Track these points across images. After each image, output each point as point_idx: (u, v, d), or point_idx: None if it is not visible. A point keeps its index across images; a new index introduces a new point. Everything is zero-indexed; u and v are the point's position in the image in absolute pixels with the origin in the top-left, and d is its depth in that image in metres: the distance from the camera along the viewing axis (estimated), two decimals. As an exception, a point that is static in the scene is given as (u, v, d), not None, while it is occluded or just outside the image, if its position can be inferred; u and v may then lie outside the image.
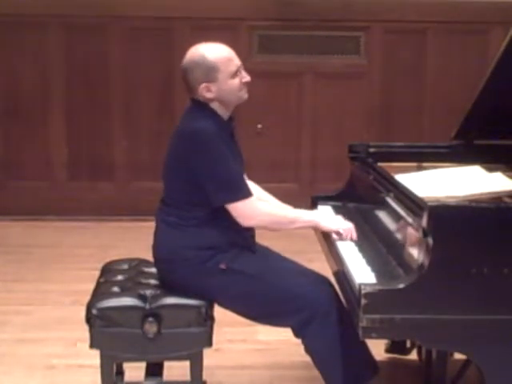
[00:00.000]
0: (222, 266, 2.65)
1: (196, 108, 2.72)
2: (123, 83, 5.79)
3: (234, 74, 2.68)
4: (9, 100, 5.78)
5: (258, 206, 2.66)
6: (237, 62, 2.70)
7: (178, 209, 2.70)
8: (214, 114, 2.69)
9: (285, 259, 2.84)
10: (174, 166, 2.71)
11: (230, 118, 2.76)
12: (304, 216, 2.77)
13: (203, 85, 2.65)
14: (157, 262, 2.79)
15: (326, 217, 2.88)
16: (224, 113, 2.72)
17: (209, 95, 2.67)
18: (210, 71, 2.65)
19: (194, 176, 2.62)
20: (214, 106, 2.70)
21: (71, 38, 5.71)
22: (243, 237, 2.72)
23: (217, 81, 2.65)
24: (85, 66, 5.76)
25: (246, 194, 2.63)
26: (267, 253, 2.84)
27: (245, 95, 2.74)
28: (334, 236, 2.77)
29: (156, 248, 2.78)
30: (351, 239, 2.75)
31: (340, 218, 2.88)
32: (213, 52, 2.68)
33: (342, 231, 2.76)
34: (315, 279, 2.72)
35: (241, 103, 2.75)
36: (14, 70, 5.74)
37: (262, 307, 2.68)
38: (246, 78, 2.73)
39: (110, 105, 5.83)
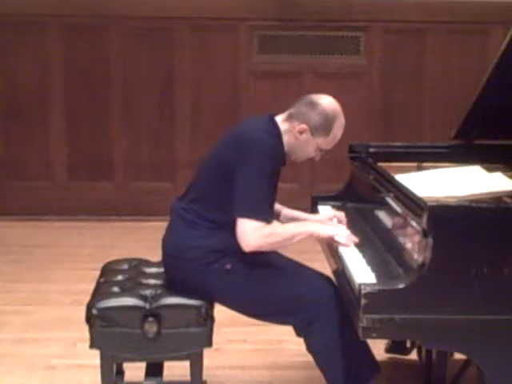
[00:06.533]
0: (228, 267, 2.66)
1: (272, 125, 2.73)
2: (123, 83, 5.79)
3: (320, 149, 2.76)
4: (9, 100, 5.79)
5: (263, 234, 2.59)
6: (330, 147, 2.78)
7: (200, 207, 2.69)
8: (281, 141, 2.72)
9: (287, 259, 2.84)
10: (219, 164, 2.69)
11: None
12: (300, 229, 2.70)
13: (305, 126, 2.69)
14: (165, 256, 2.79)
15: (322, 225, 2.81)
16: (285, 149, 2.75)
17: (296, 135, 2.71)
18: (322, 129, 2.71)
19: (232, 180, 2.60)
20: (285, 139, 2.72)
21: (71, 38, 5.71)
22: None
23: (313, 136, 2.71)
24: (85, 65, 5.76)
25: (264, 218, 2.60)
26: (271, 254, 2.84)
27: (300, 160, 2.83)
28: (337, 239, 2.69)
29: (167, 242, 2.78)
30: (353, 243, 2.68)
31: (337, 224, 2.86)
32: (341, 124, 2.75)
33: (341, 236, 2.72)
34: (318, 279, 2.73)
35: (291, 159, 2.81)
36: (14, 70, 5.75)
37: (264, 306, 2.69)
38: (318, 158, 2.82)
39: (110, 105, 5.83)
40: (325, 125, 2.70)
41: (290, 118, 2.74)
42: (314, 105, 2.72)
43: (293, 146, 2.74)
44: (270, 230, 2.63)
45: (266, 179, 2.62)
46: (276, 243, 2.66)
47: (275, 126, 2.72)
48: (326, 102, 2.74)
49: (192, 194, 2.76)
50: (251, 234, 2.57)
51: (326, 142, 2.75)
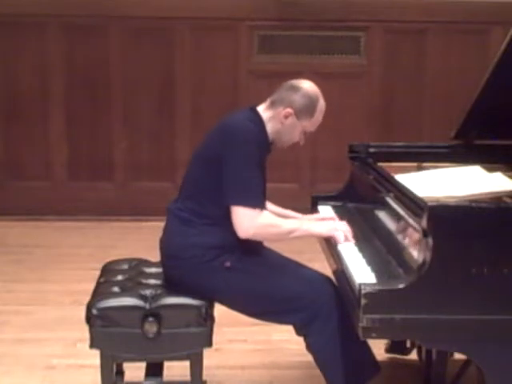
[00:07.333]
0: (227, 265, 2.66)
1: (253, 115, 2.75)
2: (123, 83, 5.79)
3: (305, 132, 2.79)
4: (9, 100, 5.79)
5: (260, 222, 2.61)
6: (314, 130, 2.82)
7: (195, 204, 2.70)
8: (265, 129, 2.74)
9: (287, 259, 2.84)
10: (207, 158, 2.70)
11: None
12: (300, 226, 2.73)
13: (290, 110, 2.71)
14: (163, 257, 2.79)
15: (319, 223, 2.85)
16: (270, 137, 2.77)
17: (282, 120, 2.73)
18: (307, 111, 2.73)
19: (221, 171, 2.62)
20: (269, 127, 2.75)
21: (71, 38, 5.71)
22: (250, 239, 2.72)
23: (298, 120, 2.74)
24: (85, 66, 5.76)
25: (258, 205, 2.62)
26: (271, 253, 2.85)
27: (286, 146, 2.84)
28: (336, 237, 2.72)
29: (165, 243, 2.79)
30: (348, 240, 2.71)
31: (332, 222, 2.88)
32: (322, 106, 2.78)
33: (339, 232, 2.74)
34: (318, 279, 2.73)
35: (277, 146, 2.83)
36: (14, 70, 5.75)
37: (264, 305, 2.69)
38: (302, 141, 2.84)
39: (110, 105, 5.83)
40: (309, 106, 2.74)
41: (272, 105, 2.77)
42: (296, 89, 2.76)
43: (279, 132, 2.76)
44: (268, 220, 2.65)
45: (255, 166, 2.64)
46: (272, 235, 2.68)
47: (257, 115, 2.76)
48: (307, 85, 2.79)
49: (185, 192, 2.77)
50: (247, 221, 2.59)
51: (311, 124, 2.78)
